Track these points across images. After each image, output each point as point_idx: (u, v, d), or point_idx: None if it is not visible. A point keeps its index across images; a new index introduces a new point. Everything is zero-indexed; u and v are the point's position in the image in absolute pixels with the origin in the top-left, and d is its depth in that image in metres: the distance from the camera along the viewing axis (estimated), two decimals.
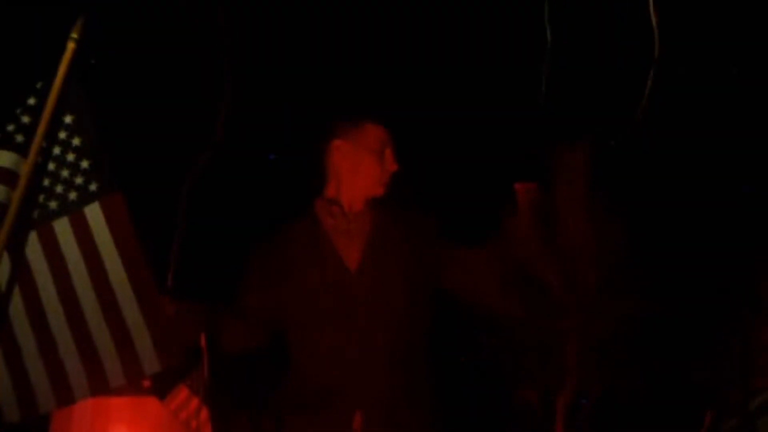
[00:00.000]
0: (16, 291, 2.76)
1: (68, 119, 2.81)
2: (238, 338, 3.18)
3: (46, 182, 2.80)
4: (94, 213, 2.79)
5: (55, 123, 2.78)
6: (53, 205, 2.80)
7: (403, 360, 3.05)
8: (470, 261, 3.11)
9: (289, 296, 3.12)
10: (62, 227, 2.80)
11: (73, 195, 2.80)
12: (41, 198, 2.79)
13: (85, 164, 2.81)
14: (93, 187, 2.80)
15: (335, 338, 3.04)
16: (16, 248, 2.75)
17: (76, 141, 2.81)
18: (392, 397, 3.00)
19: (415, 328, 3.09)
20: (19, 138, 2.76)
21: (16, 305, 2.76)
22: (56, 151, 2.81)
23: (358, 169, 3.13)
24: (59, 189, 2.80)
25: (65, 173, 2.81)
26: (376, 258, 3.09)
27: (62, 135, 2.81)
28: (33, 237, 2.78)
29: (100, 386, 2.76)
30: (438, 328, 3.30)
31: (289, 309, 3.12)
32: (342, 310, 3.05)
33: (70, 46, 2.76)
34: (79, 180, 2.80)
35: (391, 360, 3.02)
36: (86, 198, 2.79)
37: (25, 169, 2.73)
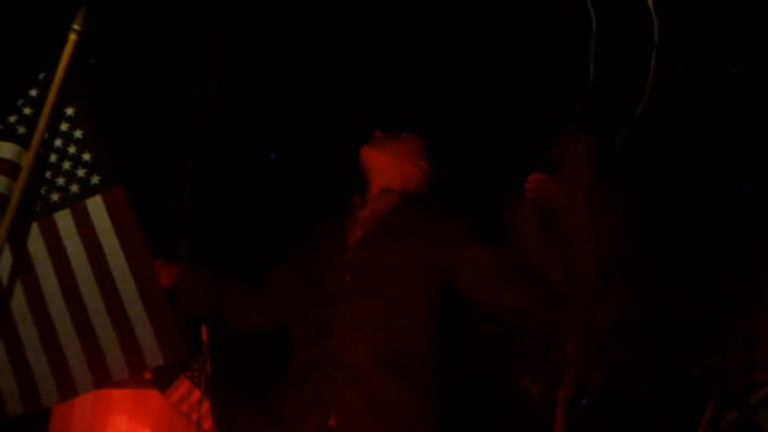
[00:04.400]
0: (18, 284, 2.76)
1: (70, 111, 2.80)
2: (249, 311, 3.26)
3: (48, 174, 2.79)
4: (96, 206, 2.79)
5: (57, 115, 2.78)
6: (55, 197, 2.79)
7: (390, 344, 3.07)
8: (481, 261, 3.18)
9: (305, 276, 3.21)
10: (64, 220, 2.80)
11: (74, 187, 2.79)
12: (43, 190, 2.79)
13: (86, 156, 2.80)
14: (95, 179, 2.80)
15: (322, 314, 3.09)
16: (17, 241, 2.74)
17: (77, 133, 2.81)
18: (374, 381, 3.02)
19: (409, 316, 3.13)
20: (21, 129, 2.75)
21: (18, 298, 2.75)
22: (58, 143, 2.80)
23: (385, 172, 3.31)
24: (61, 181, 2.80)
25: (67, 165, 2.81)
26: (374, 243, 3.17)
27: (64, 127, 2.80)
28: (35, 229, 2.78)
29: (102, 379, 2.76)
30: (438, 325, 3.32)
31: (302, 288, 3.21)
32: (330, 286, 3.12)
33: (72, 37, 2.75)
34: (80, 172, 2.80)
35: (375, 341, 3.05)
36: (88, 190, 2.79)
37: (26, 161, 2.73)
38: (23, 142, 2.73)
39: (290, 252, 3.34)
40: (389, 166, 3.32)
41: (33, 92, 2.78)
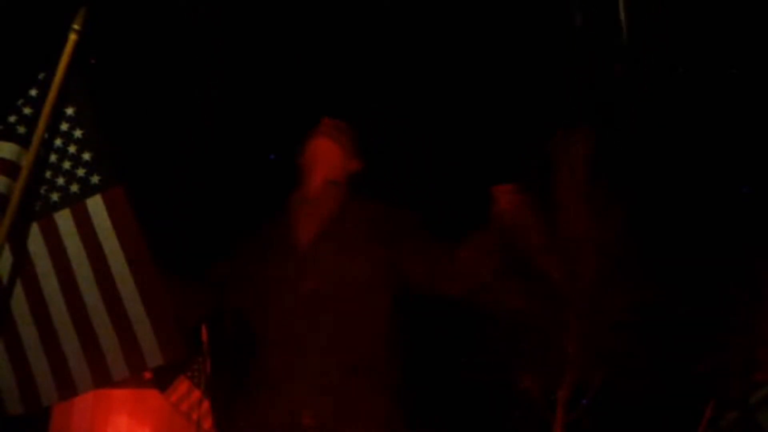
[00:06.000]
0: (18, 283, 2.76)
1: (70, 111, 2.80)
2: (191, 306, 3.26)
3: (48, 174, 2.79)
4: (96, 205, 2.78)
5: (57, 114, 2.77)
6: (55, 197, 2.79)
7: (355, 347, 3.08)
8: (432, 255, 3.16)
9: (256, 279, 3.20)
10: (64, 219, 2.79)
11: (74, 187, 2.79)
12: (43, 190, 2.79)
13: (86, 156, 2.80)
14: (95, 179, 2.79)
15: (288, 322, 3.09)
16: (17, 240, 2.74)
17: (77, 133, 2.81)
18: (343, 384, 3.03)
19: (370, 316, 3.13)
20: (21, 129, 2.75)
21: (18, 298, 2.75)
22: (58, 142, 2.80)
23: (314, 157, 3.24)
24: (61, 181, 2.80)
25: (67, 165, 2.80)
26: (330, 245, 3.15)
27: (64, 126, 2.80)
28: (35, 229, 2.77)
29: (102, 379, 2.76)
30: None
31: (255, 291, 3.19)
32: (294, 294, 3.11)
33: (72, 37, 2.75)
34: (80, 172, 2.80)
35: (342, 345, 3.07)
36: (88, 190, 2.79)
37: (26, 161, 2.73)
38: (23, 142, 2.73)
39: (234, 248, 3.30)
40: (338, 158, 3.24)
41: (33, 92, 2.78)
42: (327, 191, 3.21)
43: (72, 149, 2.80)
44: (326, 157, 3.23)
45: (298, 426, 2.99)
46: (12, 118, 2.76)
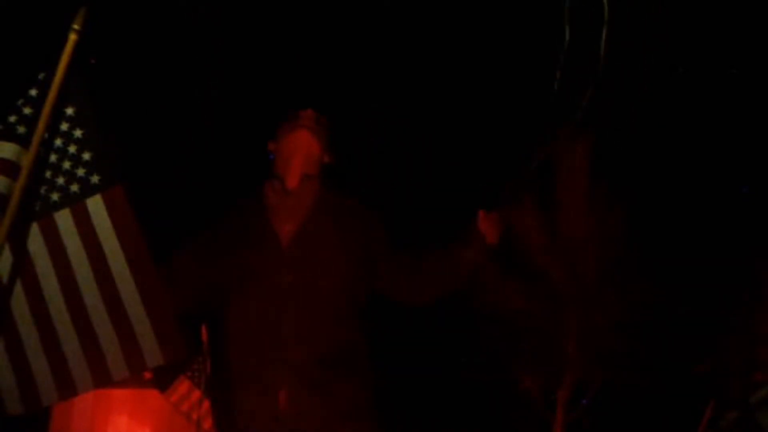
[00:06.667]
0: (18, 283, 2.75)
1: (70, 111, 2.80)
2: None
3: (48, 174, 2.79)
4: (96, 205, 2.78)
5: (57, 114, 2.77)
6: (55, 196, 2.79)
7: (331, 339, 3.10)
8: (403, 262, 3.21)
9: (226, 269, 3.18)
10: (64, 219, 2.79)
11: (74, 187, 2.79)
12: (43, 190, 2.78)
13: (86, 156, 2.79)
14: (95, 179, 2.79)
15: (265, 313, 3.10)
16: (17, 240, 2.74)
17: (77, 133, 2.80)
18: (318, 375, 3.05)
19: (346, 309, 3.16)
20: (21, 129, 2.75)
21: (18, 298, 2.75)
22: (58, 142, 2.79)
23: (294, 149, 3.23)
24: (61, 181, 2.79)
25: (67, 165, 2.80)
26: (309, 238, 3.17)
27: (64, 126, 2.80)
28: (35, 229, 2.77)
29: (102, 379, 2.76)
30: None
31: (224, 281, 3.18)
32: (272, 285, 3.11)
33: (72, 37, 2.74)
34: (80, 172, 2.79)
35: (318, 337, 3.08)
36: (88, 190, 2.78)
37: (26, 161, 2.73)
38: (23, 142, 2.73)
39: (197, 237, 3.28)
40: (317, 151, 3.24)
41: (33, 92, 2.77)
42: (305, 183, 3.20)
43: (72, 149, 2.80)
44: (306, 149, 3.22)
45: (274, 410, 3.01)
46: (12, 118, 2.76)
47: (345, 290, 3.14)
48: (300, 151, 3.22)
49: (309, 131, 3.23)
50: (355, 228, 3.21)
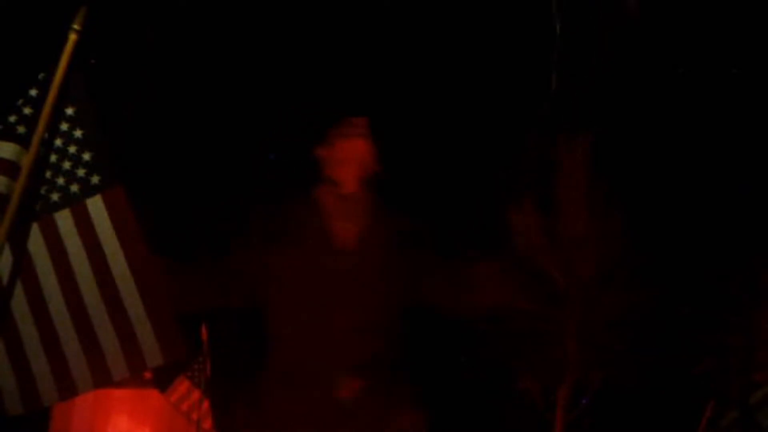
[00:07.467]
0: (18, 283, 2.75)
1: (70, 111, 2.79)
2: (212, 296, 3.28)
3: (48, 174, 2.78)
4: (96, 205, 2.78)
5: (57, 114, 2.77)
6: (55, 197, 2.78)
7: (384, 336, 3.16)
8: (438, 273, 3.29)
9: (281, 266, 3.23)
10: (64, 219, 2.78)
11: (74, 187, 2.78)
12: (43, 190, 2.78)
13: (86, 156, 2.79)
14: (95, 179, 2.79)
15: (318, 313, 3.14)
16: (17, 240, 2.73)
17: (77, 133, 2.80)
18: (370, 370, 3.10)
19: (395, 311, 3.21)
20: (21, 129, 2.74)
21: (18, 298, 2.74)
22: (58, 142, 2.79)
23: (350, 155, 3.29)
24: (61, 181, 2.79)
25: (67, 165, 2.79)
26: (365, 242, 3.22)
27: (64, 126, 2.79)
28: (35, 229, 2.77)
29: (102, 379, 2.75)
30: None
31: (278, 277, 3.22)
32: (327, 286, 3.16)
33: (72, 37, 2.74)
34: (80, 172, 2.79)
35: (372, 336, 3.13)
36: (88, 190, 2.78)
37: (26, 161, 2.72)
38: (23, 142, 2.72)
39: (257, 235, 3.32)
40: (369, 158, 3.30)
41: (33, 92, 2.77)
42: (361, 189, 3.27)
43: (72, 149, 2.79)
44: (362, 157, 3.28)
45: (334, 403, 3.05)
46: (12, 118, 2.75)
47: (393, 294, 3.19)
48: (356, 158, 3.28)
49: (364, 139, 3.29)
50: (402, 235, 3.26)
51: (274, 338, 3.23)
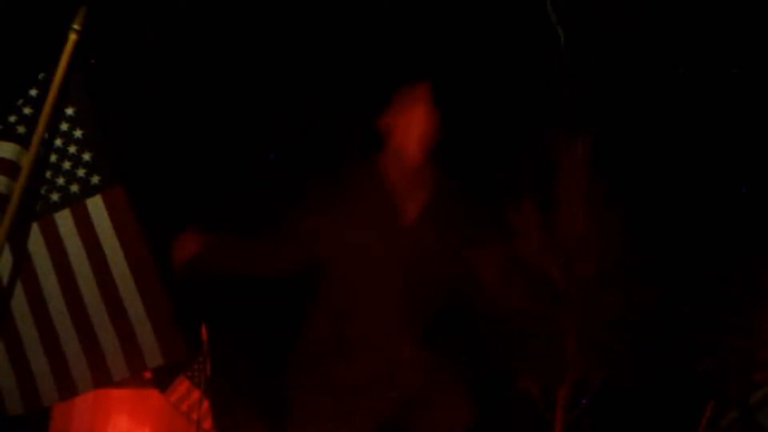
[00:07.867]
0: (18, 284, 2.75)
1: (70, 111, 2.79)
2: (272, 261, 3.15)
3: (48, 174, 2.78)
4: (96, 205, 2.78)
5: (57, 114, 2.77)
6: (55, 197, 2.79)
7: (431, 315, 3.06)
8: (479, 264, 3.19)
9: (341, 233, 3.07)
10: (64, 219, 2.78)
11: (74, 187, 2.79)
12: (43, 190, 2.78)
13: (87, 156, 2.79)
14: (95, 179, 2.79)
15: (371, 291, 3.01)
16: (17, 240, 2.73)
17: (77, 133, 2.80)
18: (418, 353, 3.01)
19: (443, 294, 3.08)
20: (21, 129, 2.74)
21: (18, 298, 2.74)
22: (58, 142, 2.79)
23: (416, 123, 3.07)
24: (61, 181, 2.79)
25: (67, 165, 2.80)
26: (430, 219, 3.06)
27: (64, 127, 2.79)
28: (35, 229, 2.77)
29: (102, 379, 2.75)
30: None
31: (336, 244, 3.07)
32: (384, 262, 3.02)
33: (72, 37, 2.74)
34: (80, 172, 2.79)
35: (422, 317, 3.03)
36: (88, 190, 2.78)
37: (26, 161, 2.72)
38: (23, 142, 2.72)
39: (316, 203, 3.16)
40: (432, 125, 3.06)
41: (33, 92, 2.77)
42: (427, 162, 3.05)
43: (72, 149, 2.80)
44: (428, 124, 3.04)
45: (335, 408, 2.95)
46: (12, 118, 2.75)
47: (447, 270, 3.03)
48: (416, 124, 3.05)
49: (425, 104, 3.07)
50: (457, 213, 3.08)
51: (322, 308, 3.05)
